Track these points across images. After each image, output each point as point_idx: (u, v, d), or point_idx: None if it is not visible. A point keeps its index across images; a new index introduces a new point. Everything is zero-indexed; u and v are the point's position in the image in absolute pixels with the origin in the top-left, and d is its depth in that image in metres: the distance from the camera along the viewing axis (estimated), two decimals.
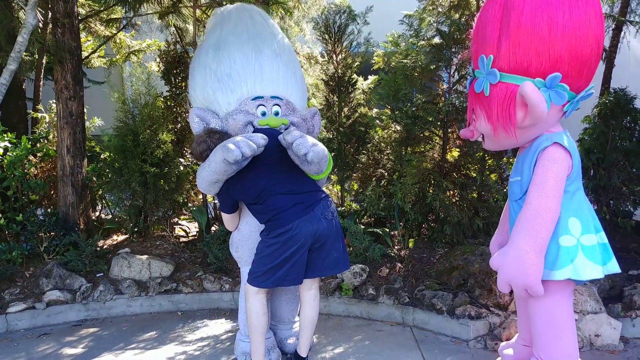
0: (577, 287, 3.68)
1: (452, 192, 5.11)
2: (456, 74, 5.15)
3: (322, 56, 6.17)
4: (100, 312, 4.64)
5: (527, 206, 2.79)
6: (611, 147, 4.78)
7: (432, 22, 5.10)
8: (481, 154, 4.97)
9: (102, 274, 4.93)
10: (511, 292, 3.89)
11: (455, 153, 5.28)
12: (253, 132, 3.33)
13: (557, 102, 2.74)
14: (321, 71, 6.00)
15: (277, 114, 3.45)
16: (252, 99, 3.41)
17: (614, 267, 2.88)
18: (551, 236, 2.80)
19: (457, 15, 4.99)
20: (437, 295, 4.11)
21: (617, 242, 4.79)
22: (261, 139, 3.06)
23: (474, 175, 5.06)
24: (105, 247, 5.39)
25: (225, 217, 3.44)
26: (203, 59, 3.58)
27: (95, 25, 6.61)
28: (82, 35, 6.22)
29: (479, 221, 4.87)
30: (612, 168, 4.76)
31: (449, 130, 5.23)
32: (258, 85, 3.46)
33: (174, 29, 6.41)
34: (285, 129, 3.31)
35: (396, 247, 5.09)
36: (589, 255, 2.77)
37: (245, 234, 3.44)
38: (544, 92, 2.69)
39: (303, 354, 3.36)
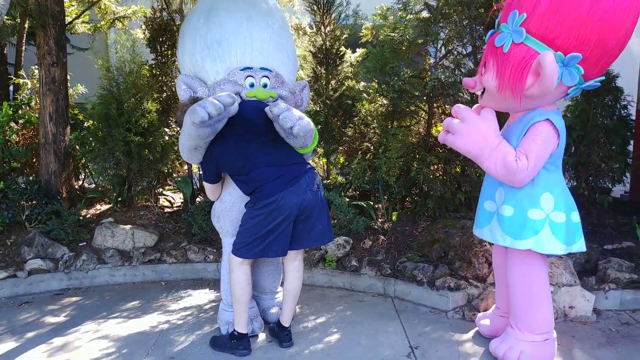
0: (553, 260, 3.78)
1: (436, 167, 5.15)
2: (443, 48, 5.15)
3: (311, 27, 6.11)
4: (83, 281, 4.65)
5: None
6: (592, 125, 4.84)
7: None
8: None
9: (84, 243, 4.92)
10: (490, 264, 3.98)
11: (441, 128, 5.29)
12: (240, 103, 3.33)
13: (566, 82, 2.72)
14: (309, 43, 5.95)
15: (265, 85, 3.43)
16: (241, 70, 3.39)
17: (581, 246, 2.97)
18: (519, 208, 2.91)
19: None
20: (418, 267, 4.19)
21: (594, 217, 4.90)
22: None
23: None
24: (88, 216, 5.37)
25: (207, 186, 3.44)
26: (194, 23, 3.53)
27: None
28: None
29: (461, 195, 4.93)
30: (592, 145, 4.83)
31: (435, 105, 5.25)
32: (247, 55, 3.42)
33: None
34: (273, 102, 3.31)
35: (380, 220, 5.14)
36: (555, 231, 2.86)
37: (227, 205, 3.45)
38: (559, 68, 2.66)
39: (286, 324, 3.42)
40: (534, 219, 2.88)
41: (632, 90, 5.42)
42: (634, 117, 5.23)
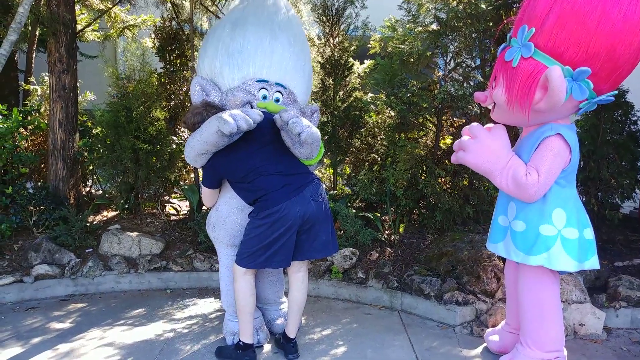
0: (563, 277, 3.74)
1: (443, 179, 5.13)
2: (452, 61, 5.15)
3: (319, 38, 6.13)
4: (89, 287, 4.65)
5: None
6: (602, 140, 4.82)
7: (430, 8, 5.06)
8: None
9: (91, 249, 4.92)
10: (499, 279, 3.95)
11: (449, 140, 5.30)
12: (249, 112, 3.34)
13: (576, 97, 2.70)
14: (317, 53, 5.96)
15: (277, 100, 3.47)
16: (257, 81, 3.44)
17: (594, 264, 2.91)
18: (531, 223, 2.89)
19: (454, 3, 4.96)
20: (425, 281, 4.16)
21: (603, 234, 4.85)
22: (257, 115, 3.09)
23: None
24: (95, 222, 5.37)
25: (205, 191, 3.44)
26: (219, 32, 3.61)
27: None
28: (77, 8, 6.12)
29: (469, 209, 4.90)
30: (602, 161, 4.80)
31: (443, 117, 5.24)
32: (266, 68, 3.48)
33: (170, 5, 6.33)
34: (284, 110, 3.31)
35: (387, 232, 5.12)
36: (567, 247, 2.83)
37: (223, 214, 3.44)
38: (568, 83, 2.65)
39: (291, 335, 3.39)
40: (545, 234, 2.85)
41: None
42: None
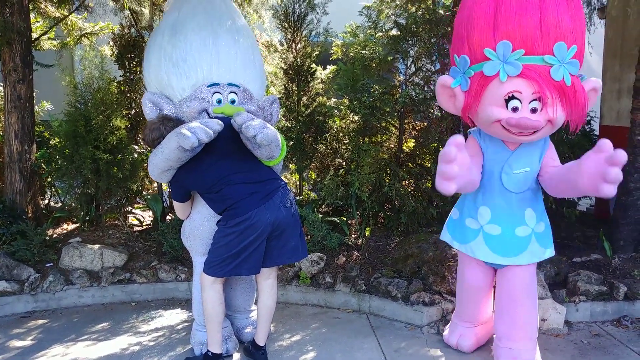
0: None
1: (407, 182, 5.20)
2: (412, 66, 5.23)
3: (282, 44, 6.14)
4: (50, 303, 4.51)
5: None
6: (558, 140, 4.96)
7: (390, 14, 5.15)
8: (435, 145, 5.08)
9: (51, 264, 4.78)
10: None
11: (411, 144, 5.38)
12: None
13: None
14: (280, 60, 5.96)
15: (233, 102, 3.40)
16: (208, 86, 3.35)
17: None
18: (546, 220, 3.22)
19: (413, 9, 5.06)
20: (392, 283, 4.20)
21: (562, 230, 4.99)
22: (216, 124, 3.04)
23: (429, 165, 5.17)
24: (54, 236, 5.23)
25: (176, 205, 3.38)
26: (159, 40, 3.48)
27: (46, 6, 6.34)
28: (32, 16, 5.97)
29: (433, 210, 4.98)
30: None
31: (405, 121, 5.31)
32: (214, 71, 3.39)
33: (128, 12, 6.24)
34: (237, 113, 3.26)
35: (353, 235, 5.15)
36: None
37: (197, 223, 3.40)
38: None
39: (261, 343, 3.38)
40: (549, 228, 3.19)
41: (595, 107, 5.57)
42: (597, 133, 5.39)
